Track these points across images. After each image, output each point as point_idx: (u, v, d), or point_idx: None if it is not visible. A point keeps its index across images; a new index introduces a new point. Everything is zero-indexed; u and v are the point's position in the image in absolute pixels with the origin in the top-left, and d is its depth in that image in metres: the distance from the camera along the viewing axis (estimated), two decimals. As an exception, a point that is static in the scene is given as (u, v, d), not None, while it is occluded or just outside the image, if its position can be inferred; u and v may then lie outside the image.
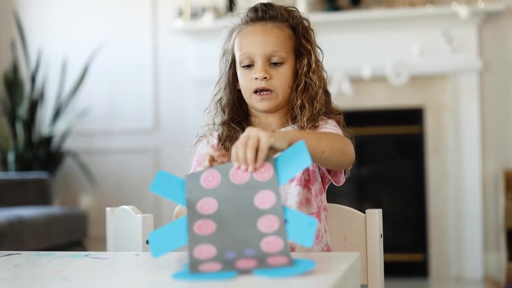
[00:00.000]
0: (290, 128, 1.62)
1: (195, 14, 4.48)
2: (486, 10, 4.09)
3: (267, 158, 1.26)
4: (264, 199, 1.21)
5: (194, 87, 4.48)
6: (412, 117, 4.35)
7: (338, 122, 1.63)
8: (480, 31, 4.20)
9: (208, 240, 1.16)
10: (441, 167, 4.24)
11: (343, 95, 4.18)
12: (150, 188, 1.26)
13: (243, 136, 1.26)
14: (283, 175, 1.24)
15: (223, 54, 1.68)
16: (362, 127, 4.34)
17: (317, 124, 1.59)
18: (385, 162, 4.48)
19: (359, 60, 4.23)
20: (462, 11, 4.01)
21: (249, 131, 1.27)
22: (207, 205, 1.21)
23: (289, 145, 1.29)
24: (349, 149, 1.47)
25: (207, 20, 4.38)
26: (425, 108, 4.29)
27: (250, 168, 1.23)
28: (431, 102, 4.28)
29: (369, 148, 4.45)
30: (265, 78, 1.58)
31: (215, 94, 1.69)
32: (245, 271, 1.10)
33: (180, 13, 4.50)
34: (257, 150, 1.24)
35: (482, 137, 4.19)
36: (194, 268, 1.11)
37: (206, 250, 1.15)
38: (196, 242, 1.16)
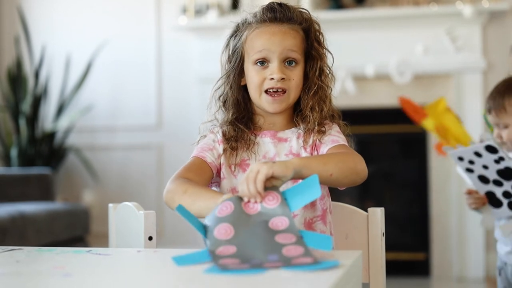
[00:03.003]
0: (296, 130, 1.63)
1: (199, 11, 4.48)
2: (491, 10, 4.09)
3: (273, 188, 1.32)
4: (278, 223, 1.26)
5: (198, 84, 4.48)
6: (416, 116, 4.34)
7: (339, 126, 1.64)
8: (484, 30, 4.20)
9: (231, 256, 1.20)
10: (444, 167, 4.23)
11: (347, 93, 4.17)
12: (176, 208, 1.31)
13: (246, 172, 1.33)
14: (293, 203, 1.29)
15: (229, 50, 1.66)
16: (365, 126, 4.34)
17: (323, 128, 1.60)
18: (388, 161, 4.48)
19: (362, 58, 4.23)
20: (467, 10, 4.00)
21: (251, 166, 1.33)
22: (224, 230, 1.25)
23: (295, 173, 1.34)
24: (360, 167, 1.48)
25: (211, 17, 4.38)
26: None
27: (258, 199, 1.29)
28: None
29: (372, 146, 4.45)
30: (282, 79, 1.58)
31: (216, 90, 1.67)
32: (274, 268, 1.12)
33: (184, 10, 4.50)
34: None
35: (485, 136, 4.19)
36: (223, 267, 1.14)
37: (231, 260, 1.18)
38: (219, 258, 1.19)
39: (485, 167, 2.35)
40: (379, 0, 4.36)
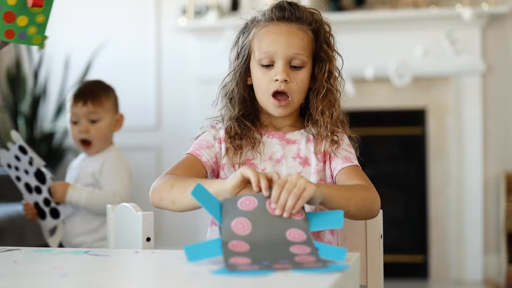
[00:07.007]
0: (305, 133, 1.62)
1: (199, 12, 4.48)
2: (490, 12, 4.09)
3: None
4: (295, 236, 1.25)
5: (197, 85, 4.48)
6: (415, 118, 4.34)
7: (345, 134, 1.63)
8: (483, 33, 4.20)
9: (243, 254, 1.19)
10: (442, 169, 4.24)
11: (346, 95, 4.17)
12: (191, 193, 1.27)
13: (289, 181, 1.27)
14: (313, 224, 1.29)
15: (237, 48, 1.64)
16: (364, 128, 4.34)
17: (335, 138, 1.59)
18: (386, 163, 4.48)
19: (362, 60, 4.23)
20: (466, 13, 4.00)
21: (297, 179, 1.28)
22: (242, 224, 1.24)
23: (320, 202, 1.33)
24: (375, 208, 1.47)
25: (211, 18, 4.38)
26: (427, 109, 4.28)
27: (285, 214, 1.25)
28: (433, 103, 4.27)
29: (371, 148, 4.45)
30: (286, 80, 1.55)
31: (223, 87, 1.65)
32: (282, 270, 1.12)
33: (184, 11, 4.50)
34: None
35: (484, 139, 4.19)
36: (232, 267, 1.13)
37: (241, 260, 1.17)
38: (231, 254, 1.19)
39: (26, 172, 2.16)
40: (378, 3, 4.36)
